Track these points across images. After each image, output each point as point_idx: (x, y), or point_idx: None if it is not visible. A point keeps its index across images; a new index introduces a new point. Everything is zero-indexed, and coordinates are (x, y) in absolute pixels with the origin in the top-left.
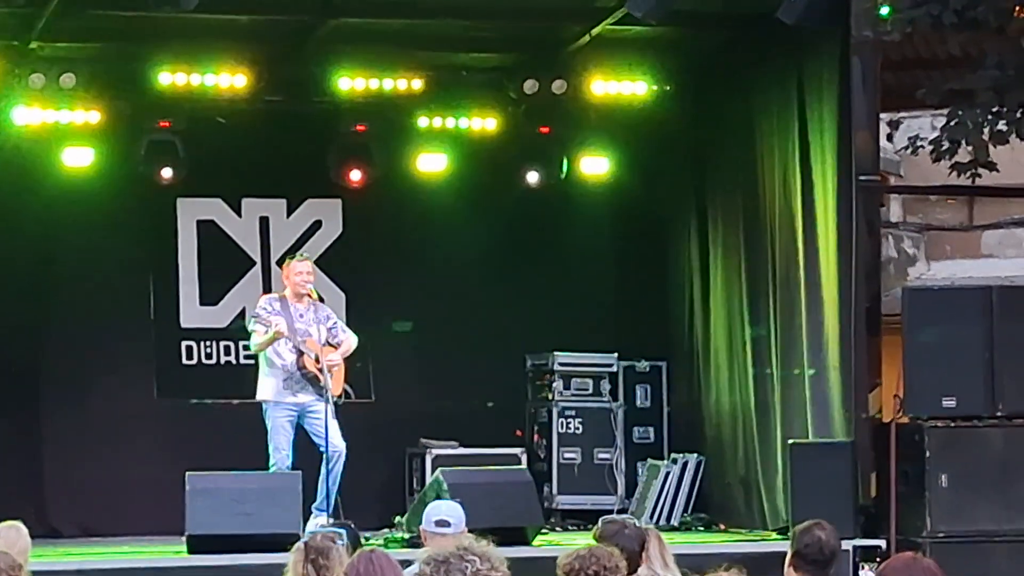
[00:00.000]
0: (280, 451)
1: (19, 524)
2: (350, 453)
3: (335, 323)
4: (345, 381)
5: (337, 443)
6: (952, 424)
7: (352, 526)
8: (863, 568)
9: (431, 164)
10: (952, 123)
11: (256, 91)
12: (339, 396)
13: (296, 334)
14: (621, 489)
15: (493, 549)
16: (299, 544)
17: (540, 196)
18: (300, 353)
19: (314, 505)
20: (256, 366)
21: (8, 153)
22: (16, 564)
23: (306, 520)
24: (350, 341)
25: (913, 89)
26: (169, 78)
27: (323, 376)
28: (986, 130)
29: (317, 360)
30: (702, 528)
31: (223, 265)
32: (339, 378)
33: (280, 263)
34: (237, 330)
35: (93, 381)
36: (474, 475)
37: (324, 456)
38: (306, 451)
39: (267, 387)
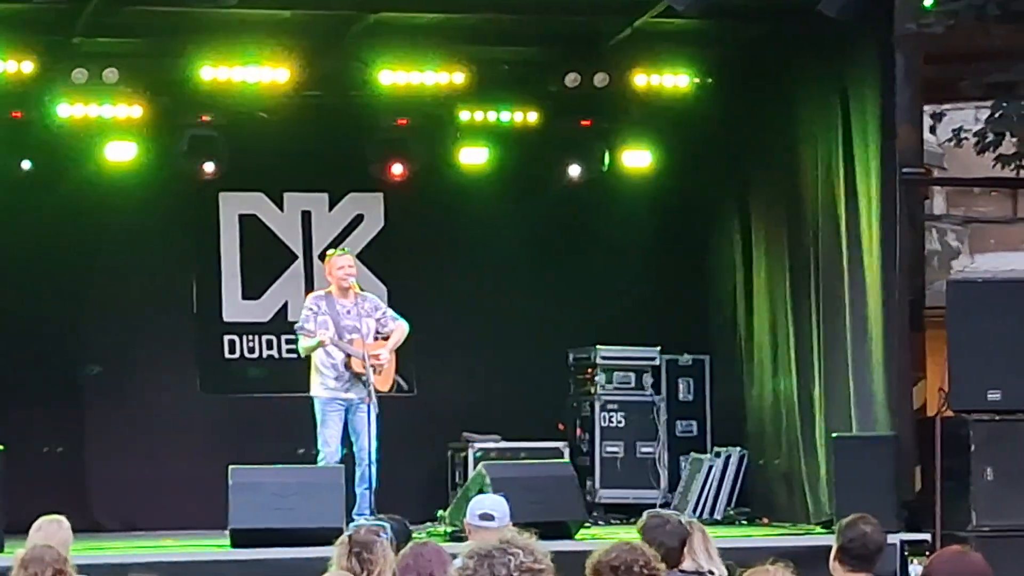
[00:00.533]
0: (329, 445)
1: (61, 518)
2: (393, 448)
3: (383, 312)
4: (396, 372)
5: (367, 446)
6: (997, 418)
7: (405, 521)
8: (912, 562)
9: (472, 158)
10: (996, 115)
11: (297, 85)
12: (390, 389)
13: (343, 332)
14: (664, 483)
15: (536, 542)
16: (343, 538)
17: (582, 190)
18: (348, 354)
19: (355, 512)
20: (301, 360)
21: (51, 148)
22: (62, 558)
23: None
24: (402, 329)
25: (956, 81)
26: (211, 73)
27: (367, 372)
28: None
29: (364, 360)
30: (745, 522)
31: (265, 259)
32: (389, 372)
33: (322, 258)
34: (279, 324)
35: (136, 376)
36: (516, 469)
37: (357, 456)
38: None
39: (318, 383)
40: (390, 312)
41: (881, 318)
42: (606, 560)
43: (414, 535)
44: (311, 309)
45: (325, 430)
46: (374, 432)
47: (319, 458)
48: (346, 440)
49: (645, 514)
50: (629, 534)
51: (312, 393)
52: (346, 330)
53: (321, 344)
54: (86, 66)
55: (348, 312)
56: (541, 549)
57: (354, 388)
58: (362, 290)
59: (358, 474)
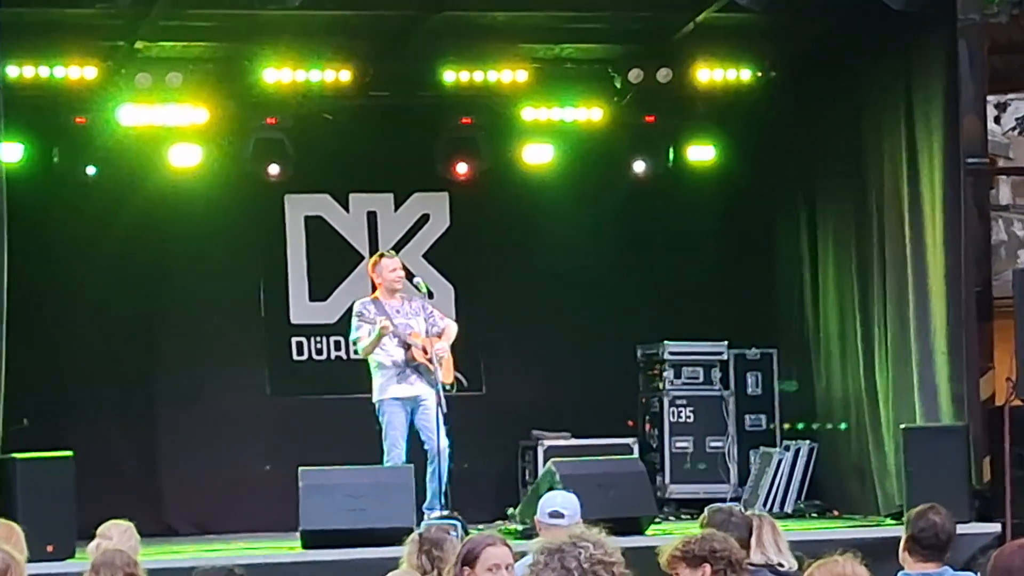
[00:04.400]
0: (395, 448)
1: (128, 524)
2: (462, 446)
3: (431, 312)
4: (456, 369)
5: (439, 442)
6: None
7: (461, 519)
8: None
9: (537, 156)
10: None
11: (362, 86)
12: (452, 384)
13: (399, 329)
14: (734, 477)
15: (607, 537)
16: (414, 535)
17: (647, 185)
18: (407, 346)
19: (424, 506)
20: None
21: (116, 153)
22: (132, 561)
23: (420, 522)
24: (451, 328)
25: (1021, 71)
26: (275, 75)
27: (433, 366)
28: None
29: (425, 351)
30: (816, 515)
31: (332, 261)
32: (449, 367)
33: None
34: (347, 325)
35: (206, 379)
36: (586, 466)
37: (430, 453)
38: (415, 449)
39: (379, 386)
40: (437, 312)
41: (944, 309)
42: (693, 547)
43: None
44: (361, 314)
45: (391, 431)
46: (443, 429)
47: (386, 462)
48: (415, 439)
49: (707, 510)
50: (699, 529)
51: (374, 398)
52: (401, 327)
53: (384, 332)
54: (149, 71)
55: (398, 311)
56: (612, 543)
57: (417, 384)
58: (430, 294)
59: (429, 471)
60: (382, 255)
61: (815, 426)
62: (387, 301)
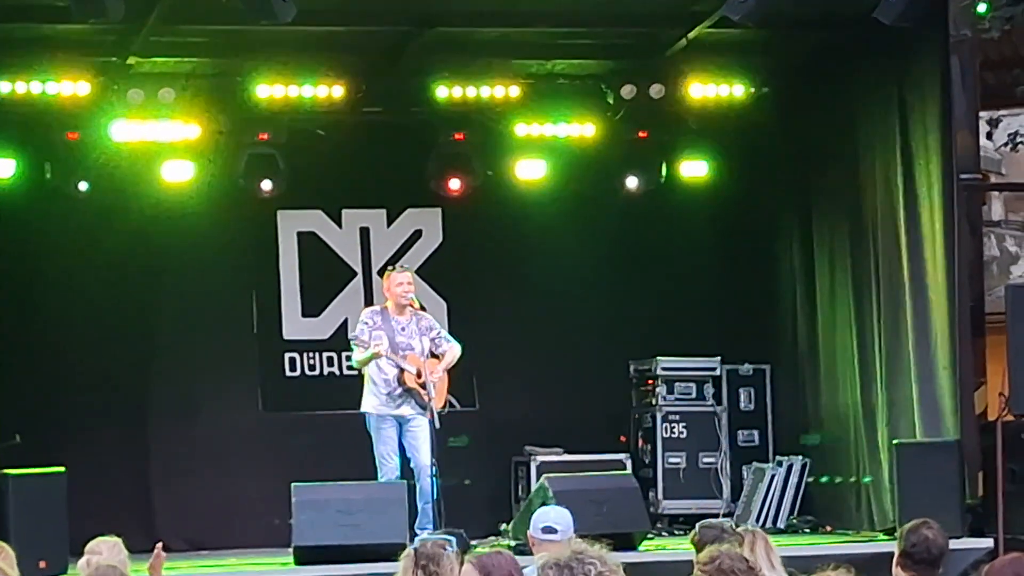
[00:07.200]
0: (386, 463)
1: (115, 538)
2: (455, 462)
3: (438, 333)
4: (448, 392)
5: (424, 460)
6: None
7: (463, 534)
8: None
9: (530, 171)
10: None
11: (354, 102)
12: (443, 408)
13: (397, 348)
14: (726, 493)
15: (608, 553)
16: (409, 551)
17: (640, 201)
18: (401, 369)
19: (416, 526)
20: (362, 377)
21: (108, 169)
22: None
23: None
24: (454, 351)
25: (1012, 87)
26: (267, 91)
27: (424, 391)
28: None
29: (419, 375)
30: (808, 530)
31: (324, 276)
32: (442, 390)
33: (381, 274)
34: (340, 341)
35: (198, 395)
36: (579, 482)
37: (415, 472)
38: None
39: (369, 400)
40: (444, 333)
41: (947, 324)
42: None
43: (478, 548)
44: (366, 323)
45: (381, 446)
46: (430, 450)
47: (379, 475)
48: (404, 455)
49: (698, 526)
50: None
51: (363, 409)
52: (400, 347)
53: (375, 356)
54: (142, 86)
55: (403, 329)
56: (613, 559)
57: (406, 404)
58: (422, 308)
59: (418, 489)
60: (393, 269)
61: (808, 441)
62: (395, 316)
